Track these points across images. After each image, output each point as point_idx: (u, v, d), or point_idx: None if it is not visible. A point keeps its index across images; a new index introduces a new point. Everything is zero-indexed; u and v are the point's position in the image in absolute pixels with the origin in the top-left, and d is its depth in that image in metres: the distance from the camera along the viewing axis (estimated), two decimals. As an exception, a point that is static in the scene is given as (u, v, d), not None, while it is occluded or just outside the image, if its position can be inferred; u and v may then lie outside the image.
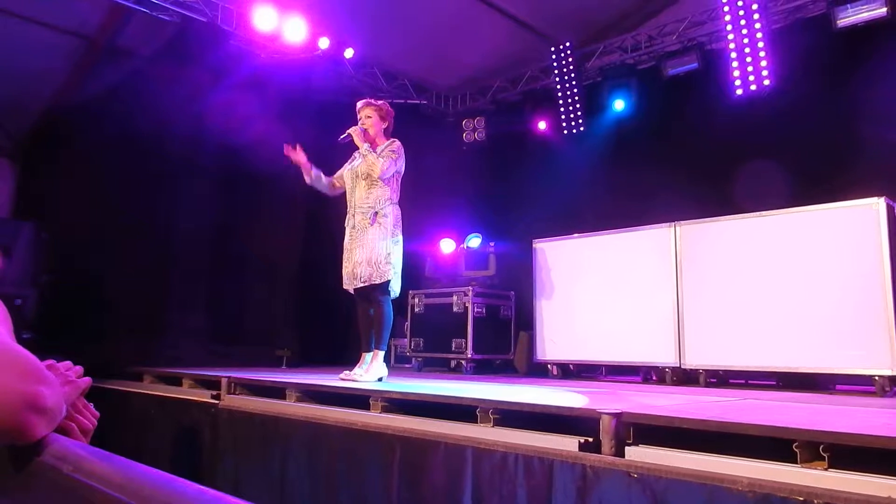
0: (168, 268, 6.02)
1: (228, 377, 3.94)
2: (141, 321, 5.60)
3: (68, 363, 1.03)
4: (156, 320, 5.75)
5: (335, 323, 6.63)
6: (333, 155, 4.49)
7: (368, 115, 4.23)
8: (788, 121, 5.77)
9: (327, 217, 4.80)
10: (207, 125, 5.99)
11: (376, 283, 4.01)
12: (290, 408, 3.42)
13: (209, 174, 6.26)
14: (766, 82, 5.95)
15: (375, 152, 4.10)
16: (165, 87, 5.70)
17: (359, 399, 3.17)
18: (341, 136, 4.15)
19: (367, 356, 4.08)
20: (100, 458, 0.80)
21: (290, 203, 6.85)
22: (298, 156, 4.15)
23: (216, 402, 3.84)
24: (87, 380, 1.03)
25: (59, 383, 0.96)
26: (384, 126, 4.26)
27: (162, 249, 5.94)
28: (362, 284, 4.03)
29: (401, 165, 4.19)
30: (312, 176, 4.25)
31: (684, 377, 4.63)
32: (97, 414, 1.02)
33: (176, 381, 4.46)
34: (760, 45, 5.96)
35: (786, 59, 5.91)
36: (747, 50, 6.00)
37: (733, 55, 6.06)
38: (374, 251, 4.01)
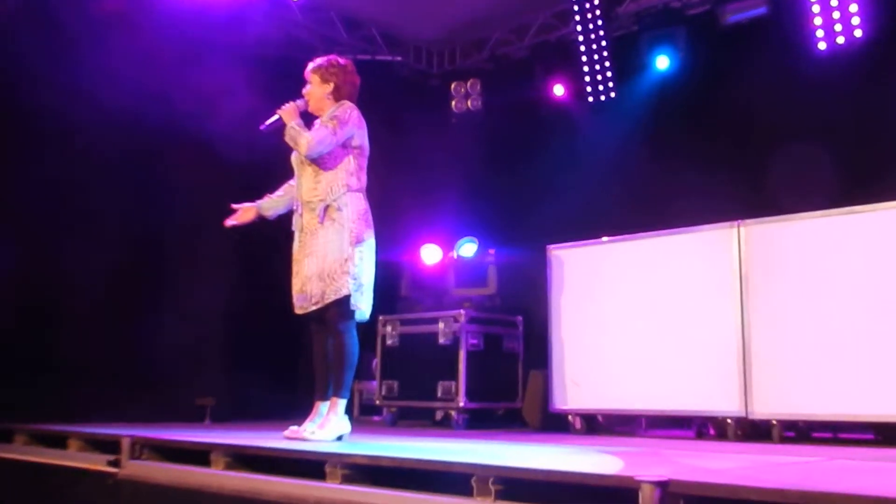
0: (50, 287, 5.96)
1: (132, 436, 3.89)
2: (11, 359, 5.54)
3: None
4: (32, 358, 5.69)
5: (278, 360, 6.60)
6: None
7: (308, 81, 4.26)
8: (888, 84, 5.83)
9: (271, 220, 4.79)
10: (104, 95, 5.95)
11: (330, 300, 3.99)
12: (217, 478, 3.38)
13: (106, 160, 6.22)
14: (858, 33, 6.02)
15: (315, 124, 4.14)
16: (37, 37, 5.68)
17: (311, 465, 3.14)
18: (266, 123, 4.19)
19: (323, 407, 4.06)
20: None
21: (218, 195, 6.80)
22: (243, 216, 4.38)
23: (115, 469, 3.78)
24: None
25: None
26: (329, 89, 4.23)
27: (40, 262, 5.88)
28: (314, 306, 4.03)
29: (352, 135, 4.14)
30: (269, 210, 4.42)
31: (752, 431, 4.65)
32: None
33: (60, 441, 4.40)
34: (851, -17, 6.03)
35: (885, 3, 5.97)
36: (833, -10, 6.07)
37: (814, -4, 6.14)
38: (326, 258, 4.01)
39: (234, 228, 4.46)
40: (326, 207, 4.05)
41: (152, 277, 6.53)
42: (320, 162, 4.10)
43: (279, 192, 4.44)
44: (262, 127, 4.20)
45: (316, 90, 4.24)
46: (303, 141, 4.04)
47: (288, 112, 4.15)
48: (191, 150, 6.44)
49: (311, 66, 4.30)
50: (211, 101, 6.15)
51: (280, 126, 4.16)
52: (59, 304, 6.01)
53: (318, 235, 4.05)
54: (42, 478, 4.16)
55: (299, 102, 4.21)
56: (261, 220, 4.47)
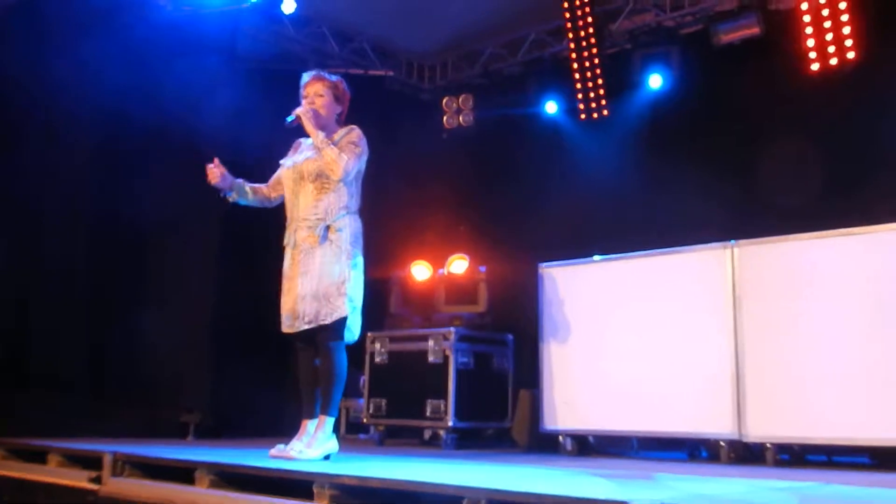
0: (27, 295, 5.91)
1: (114, 452, 3.86)
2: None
3: None
4: (10, 369, 5.63)
5: (265, 377, 6.55)
6: (270, 144, 4.47)
7: (319, 94, 4.23)
8: (880, 105, 5.87)
9: (258, 229, 4.76)
10: (90, 100, 5.96)
11: (326, 322, 3.98)
12: (202, 496, 3.36)
13: (91, 163, 6.22)
14: (850, 55, 6.07)
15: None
16: (31, 42, 5.67)
17: (298, 485, 3.11)
18: (289, 119, 4.15)
19: (311, 425, 4.05)
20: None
21: (203, 205, 6.78)
22: (215, 172, 4.19)
23: (96, 486, 3.77)
24: None
25: None
26: (338, 111, 4.30)
27: (16, 269, 5.83)
28: (307, 326, 4.01)
29: (363, 162, 4.22)
30: (234, 188, 4.28)
31: (746, 453, 4.64)
32: None
33: (39, 456, 4.37)
34: (843, 5, 6.07)
35: (877, 24, 6.02)
36: (825, 12, 6.12)
37: (806, 18, 6.18)
38: (323, 279, 4.00)
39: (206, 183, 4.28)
40: (327, 227, 4.06)
41: (135, 288, 6.47)
42: (325, 182, 4.09)
43: (253, 188, 4.36)
44: (287, 123, 4.15)
45: (330, 107, 4.24)
46: (342, 164, 4.04)
47: (310, 120, 4.09)
48: (180, 157, 6.42)
49: (314, 75, 4.28)
50: (200, 110, 6.15)
51: (298, 125, 4.12)
52: (37, 312, 5.95)
53: (316, 255, 4.04)
54: (21, 494, 4.12)
55: (312, 112, 4.15)
56: (221, 195, 4.30)
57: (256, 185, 4.38)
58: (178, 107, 6.12)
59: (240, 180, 4.32)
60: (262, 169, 4.58)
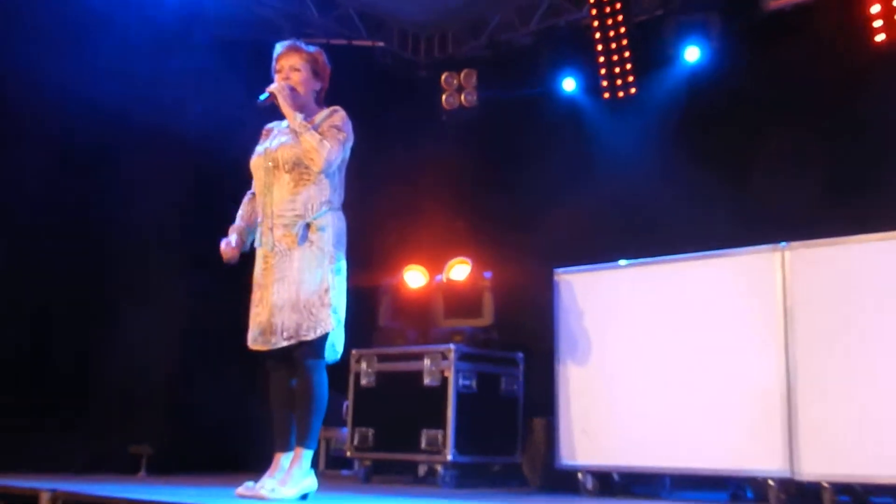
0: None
1: (53, 490, 3.84)
2: None
3: None
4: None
5: (231, 402, 6.55)
6: (241, 125, 4.49)
7: (296, 67, 4.23)
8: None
9: (222, 228, 4.75)
10: (38, 83, 5.99)
11: (308, 338, 3.96)
12: (155, 545, 3.35)
13: (37, 156, 6.24)
14: (924, 22, 6.08)
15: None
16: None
17: (270, 531, 3.12)
18: (262, 98, 4.15)
19: (285, 459, 4.03)
20: None
21: (166, 203, 6.79)
22: (234, 253, 4.22)
23: (32, 531, 3.76)
24: None
25: None
26: (317, 88, 4.30)
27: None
28: (287, 342, 3.99)
29: (348, 150, 4.21)
30: (243, 237, 4.29)
31: (799, 494, 4.60)
32: None
33: (-35, 495, 4.37)
34: (911, -38, 6.09)
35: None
36: (892, -29, 6.13)
37: (870, -21, 6.20)
38: (303, 287, 3.99)
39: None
40: (307, 225, 4.05)
41: (84, 303, 6.51)
42: (304, 172, 4.08)
43: (244, 218, 4.35)
44: (259, 101, 4.15)
45: (308, 84, 4.25)
46: (324, 152, 4.02)
47: (286, 98, 4.10)
48: (136, 149, 6.48)
49: (289, 46, 4.28)
50: (161, 87, 6.18)
51: (273, 103, 4.12)
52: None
53: (294, 258, 4.03)
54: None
55: (288, 89, 4.15)
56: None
57: (246, 209, 4.36)
58: (138, 88, 6.22)
59: (234, 236, 4.26)
60: (230, 151, 4.58)
